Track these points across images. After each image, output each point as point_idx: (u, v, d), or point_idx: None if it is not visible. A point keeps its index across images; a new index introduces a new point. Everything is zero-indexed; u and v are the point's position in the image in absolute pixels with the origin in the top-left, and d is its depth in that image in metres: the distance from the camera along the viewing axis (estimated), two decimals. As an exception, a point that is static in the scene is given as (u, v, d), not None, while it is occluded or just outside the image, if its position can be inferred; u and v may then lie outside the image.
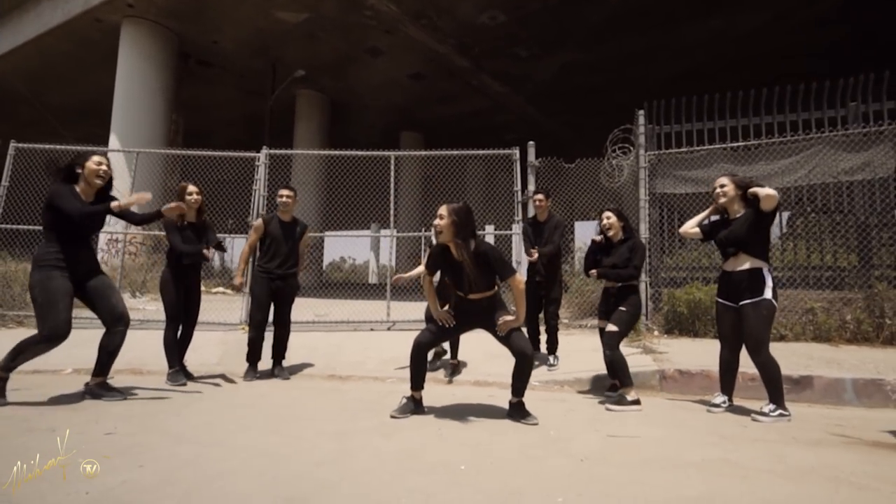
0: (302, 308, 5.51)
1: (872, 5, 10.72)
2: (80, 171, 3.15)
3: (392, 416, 2.87)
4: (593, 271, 3.59)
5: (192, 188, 3.95)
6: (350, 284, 21.33)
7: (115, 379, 3.83)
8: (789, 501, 1.77)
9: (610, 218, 3.58)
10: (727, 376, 3.25)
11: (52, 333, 2.98)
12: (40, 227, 3.21)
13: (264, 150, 6.33)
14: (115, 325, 3.22)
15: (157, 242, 10.47)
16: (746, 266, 3.06)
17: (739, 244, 3.07)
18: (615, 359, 3.28)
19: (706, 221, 3.39)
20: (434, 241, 3.07)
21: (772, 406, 2.96)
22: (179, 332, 3.97)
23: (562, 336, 4.79)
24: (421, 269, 3.50)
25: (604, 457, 2.24)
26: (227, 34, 13.27)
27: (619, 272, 3.45)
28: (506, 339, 2.89)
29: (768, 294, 2.97)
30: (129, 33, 12.67)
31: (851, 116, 5.50)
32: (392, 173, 6.48)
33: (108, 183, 3.29)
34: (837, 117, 5.54)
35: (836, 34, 12.08)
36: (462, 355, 4.47)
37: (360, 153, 6.72)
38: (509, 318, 2.87)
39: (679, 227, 6.13)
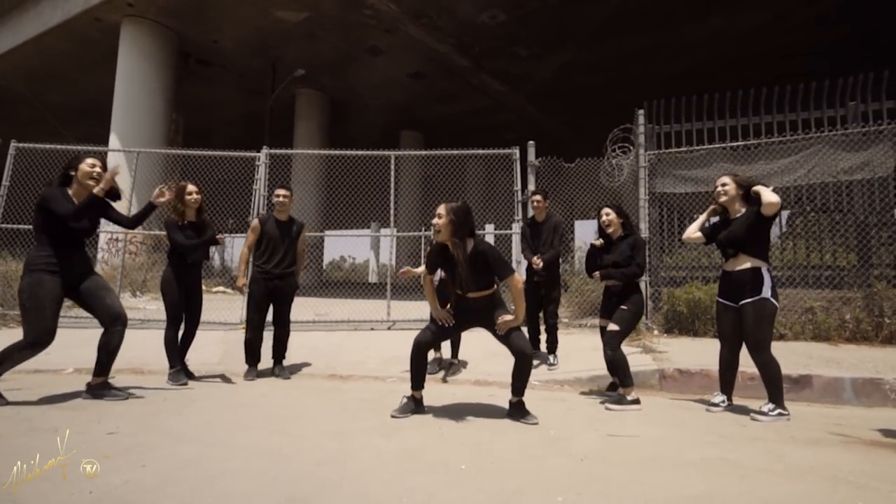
0: (302, 307, 5.52)
1: (872, 5, 10.72)
2: (73, 173, 3.15)
3: (392, 416, 2.88)
4: (597, 273, 3.55)
5: (191, 188, 3.96)
6: (350, 284, 21.33)
7: (116, 378, 3.84)
8: (788, 500, 1.78)
9: (609, 214, 3.56)
10: (727, 376, 3.25)
11: (35, 340, 2.98)
12: None
13: (264, 150, 6.33)
14: (113, 325, 3.22)
15: (157, 242, 10.47)
16: (746, 266, 3.06)
17: (739, 244, 3.08)
18: (616, 358, 3.28)
19: (707, 224, 3.40)
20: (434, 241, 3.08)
21: (771, 405, 2.97)
22: (182, 332, 3.98)
23: (562, 335, 4.81)
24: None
25: (603, 456, 2.25)
26: (227, 33, 13.26)
27: (623, 272, 3.40)
28: (505, 339, 2.90)
29: (768, 293, 2.98)
30: (129, 32, 12.67)
31: (851, 116, 5.51)
32: (392, 173, 6.48)
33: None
34: (837, 117, 5.55)
35: (837, 33, 12.09)
36: (462, 355, 4.49)
37: (360, 153, 6.72)
38: (508, 317, 2.88)
39: (678, 226, 6.19)
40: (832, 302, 5.20)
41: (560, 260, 4.64)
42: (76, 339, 4.61)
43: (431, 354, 4.36)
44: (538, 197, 4.58)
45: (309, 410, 3.06)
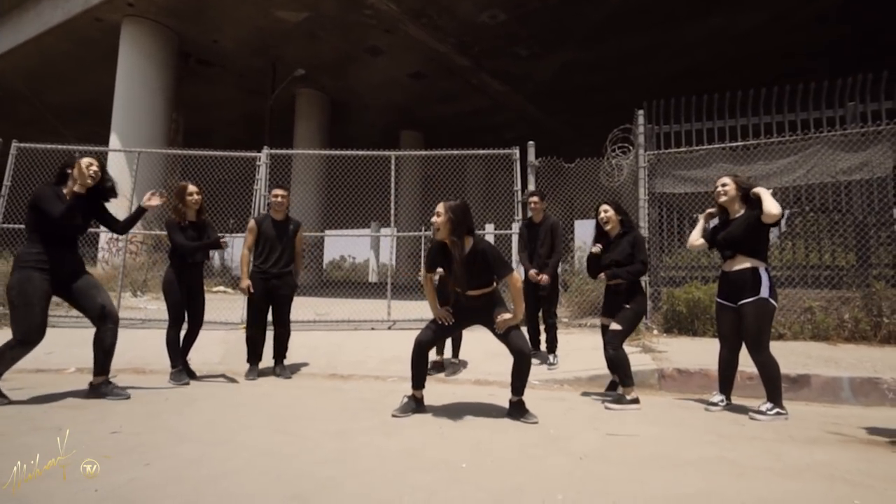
0: (302, 307, 5.54)
1: (872, 4, 10.73)
2: (69, 171, 3.15)
3: (393, 415, 2.90)
4: (602, 275, 3.49)
5: (192, 188, 3.97)
6: (350, 283, 21.35)
7: (118, 378, 3.86)
8: (785, 498, 1.80)
9: (607, 211, 3.51)
10: (726, 375, 3.27)
11: (24, 337, 2.98)
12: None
13: (265, 150, 6.35)
14: (104, 324, 3.22)
15: (157, 241, 10.49)
16: (744, 266, 3.08)
17: (736, 245, 3.10)
18: (618, 357, 3.28)
19: (707, 228, 3.40)
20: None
21: (769, 405, 2.99)
22: (185, 331, 3.99)
23: (561, 335, 4.83)
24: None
25: (603, 455, 2.27)
26: (228, 33, 13.28)
27: (629, 269, 3.36)
28: (504, 337, 2.92)
29: (766, 293, 3.00)
30: (130, 32, 12.69)
31: (849, 116, 5.53)
32: (393, 173, 6.50)
33: (101, 184, 3.27)
34: (836, 117, 5.57)
35: (837, 33, 12.10)
36: (463, 354, 4.51)
37: (360, 153, 6.74)
38: (507, 315, 2.90)
39: (678, 226, 6.21)
40: (831, 302, 5.22)
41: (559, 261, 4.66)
42: (78, 339, 4.62)
43: (433, 356, 4.38)
44: (535, 198, 4.62)
45: (310, 410, 3.08)
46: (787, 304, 5.23)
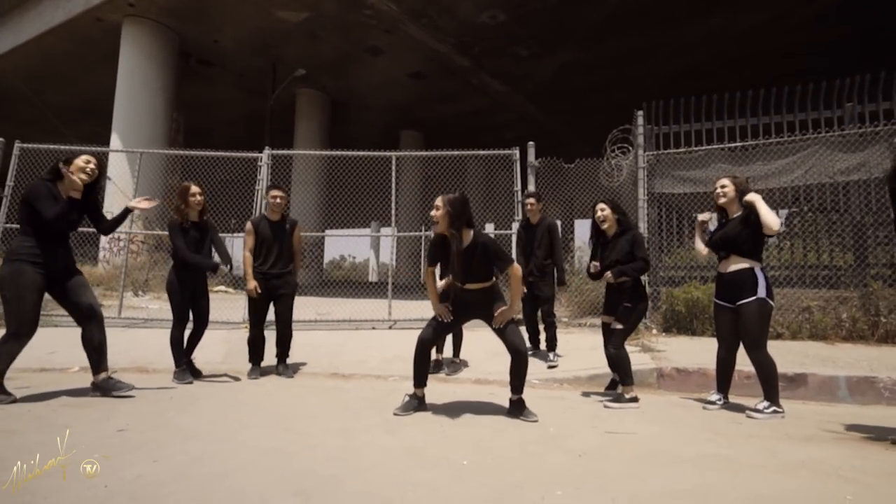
0: (303, 307, 5.57)
1: (872, 3, 10.75)
2: (66, 168, 3.17)
3: (395, 414, 2.94)
4: (608, 274, 3.39)
5: (195, 188, 3.98)
6: (350, 283, 21.39)
7: (122, 377, 3.90)
8: (779, 494, 1.84)
9: (604, 210, 3.49)
10: (723, 375, 3.31)
11: (18, 330, 3.01)
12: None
13: (267, 151, 6.38)
14: (90, 323, 3.24)
15: (158, 241, 10.53)
16: (739, 267, 3.13)
17: (731, 245, 3.14)
18: (619, 356, 3.31)
19: (707, 234, 3.43)
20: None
21: (766, 403, 3.03)
22: (190, 331, 4.03)
23: (561, 335, 4.87)
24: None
25: (601, 452, 2.31)
26: (228, 33, 13.31)
27: (633, 266, 3.34)
28: (501, 334, 2.96)
29: (763, 293, 3.04)
30: (131, 32, 12.72)
31: (848, 117, 5.56)
32: (393, 173, 6.53)
33: (96, 181, 3.30)
34: (834, 118, 5.60)
35: (837, 32, 12.12)
36: (463, 354, 4.54)
37: (361, 153, 6.77)
38: (503, 308, 2.94)
39: (677, 226, 6.25)
40: (829, 301, 5.26)
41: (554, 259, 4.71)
42: (80, 338, 4.66)
43: (433, 355, 4.42)
44: (531, 200, 4.68)
45: (312, 408, 3.12)
46: (785, 304, 5.27)
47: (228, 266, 4.20)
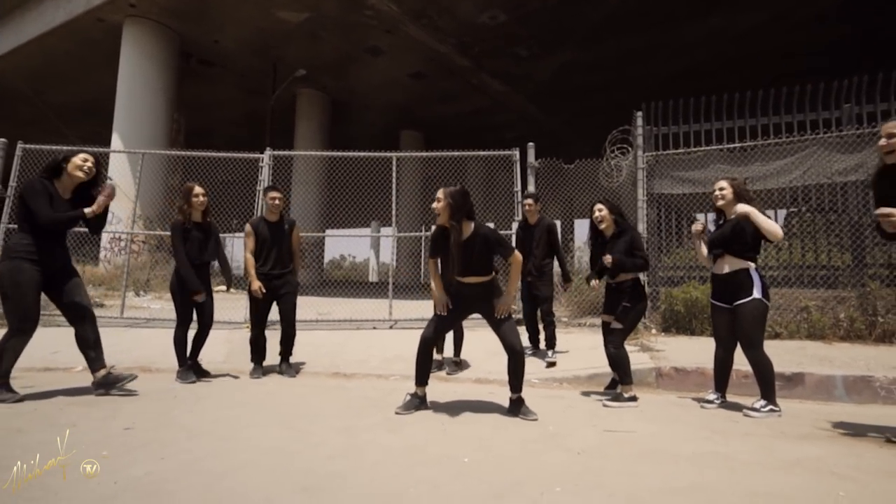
0: (304, 307, 5.60)
1: (872, 3, 10.77)
2: (64, 165, 3.20)
3: (397, 413, 2.98)
4: (607, 258, 3.37)
5: (198, 189, 4.01)
6: (351, 283, 21.43)
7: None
8: (774, 490, 1.88)
9: (601, 210, 3.52)
10: (721, 374, 3.35)
11: (21, 326, 3.05)
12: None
13: (268, 152, 6.41)
14: (83, 323, 3.27)
15: (159, 241, 10.56)
16: (734, 267, 3.16)
17: (725, 246, 3.18)
18: (619, 356, 3.35)
19: (708, 231, 3.46)
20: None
21: (763, 402, 3.06)
22: (195, 332, 4.05)
23: (561, 334, 4.91)
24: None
25: (600, 450, 2.35)
26: (229, 34, 13.35)
27: (634, 261, 3.37)
28: (499, 332, 3.00)
29: (758, 293, 3.08)
30: (132, 33, 12.76)
31: (845, 118, 5.59)
32: (394, 174, 6.57)
33: (93, 179, 3.31)
34: (832, 119, 5.63)
35: (837, 32, 12.14)
36: (464, 354, 4.57)
37: (362, 154, 6.81)
38: (501, 301, 2.99)
39: (676, 226, 6.28)
40: (827, 301, 5.29)
41: (552, 258, 4.75)
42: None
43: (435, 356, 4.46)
44: (529, 201, 4.74)
45: (315, 407, 3.16)
46: (783, 304, 5.30)
47: (227, 287, 4.22)
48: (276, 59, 14.45)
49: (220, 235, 4.35)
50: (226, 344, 5.12)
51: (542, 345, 4.72)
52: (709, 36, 12.50)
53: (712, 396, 3.33)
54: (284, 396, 3.48)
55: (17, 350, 3.11)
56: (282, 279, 4.27)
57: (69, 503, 1.68)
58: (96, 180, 3.35)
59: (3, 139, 6.46)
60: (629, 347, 3.65)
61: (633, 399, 3.30)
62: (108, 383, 3.28)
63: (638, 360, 4.18)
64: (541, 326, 4.75)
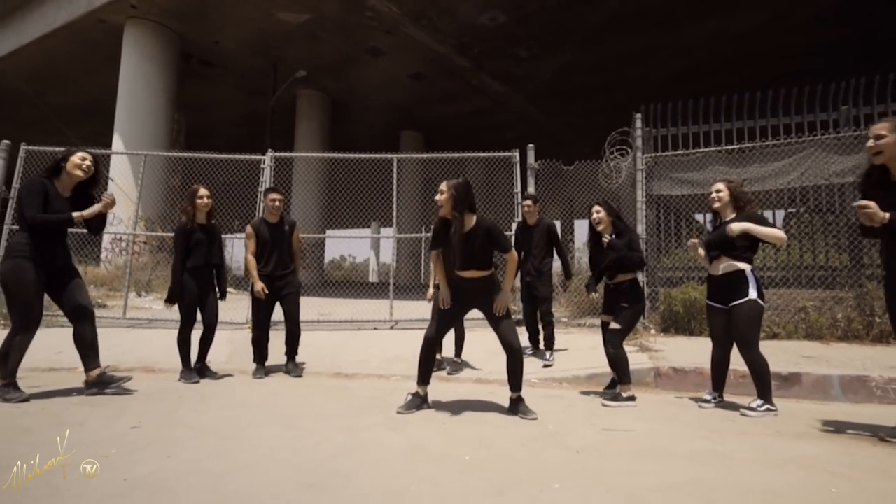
0: (306, 307, 5.63)
1: (872, 4, 10.81)
2: (63, 164, 3.23)
3: (398, 412, 3.01)
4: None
5: (203, 191, 4.06)
6: (351, 283, 21.46)
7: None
8: (768, 487, 1.92)
9: (599, 212, 3.58)
10: (718, 374, 3.40)
11: (26, 324, 3.09)
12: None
13: (270, 153, 6.45)
14: (83, 321, 3.31)
15: (161, 242, 10.60)
16: (730, 269, 3.20)
17: (722, 247, 3.22)
18: (618, 356, 3.40)
19: (707, 232, 3.50)
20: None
21: (759, 401, 3.10)
22: (201, 333, 4.09)
23: (561, 335, 4.95)
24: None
25: (599, 449, 2.39)
26: (229, 34, 13.38)
27: (631, 255, 3.42)
28: (498, 330, 3.05)
29: (754, 294, 3.12)
30: (133, 34, 12.79)
31: (843, 120, 5.63)
32: (395, 176, 6.60)
33: (92, 178, 3.34)
34: (829, 120, 5.67)
35: (836, 33, 12.17)
36: (464, 354, 4.62)
37: (363, 156, 6.84)
38: (498, 298, 3.04)
39: (675, 227, 6.32)
40: (825, 301, 5.33)
41: (552, 259, 4.80)
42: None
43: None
44: (528, 202, 4.79)
45: (317, 407, 3.20)
46: (781, 304, 5.34)
47: (222, 296, 4.25)
48: (276, 60, 14.49)
49: (222, 237, 4.39)
50: (228, 344, 5.16)
51: (542, 345, 4.76)
52: (708, 37, 12.54)
53: (710, 396, 3.37)
54: (287, 396, 3.52)
55: (23, 348, 3.15)
56: (284, 280, 4.31)
57: (79, 500, 1.72)
58: (95, 178, 3.39)
59: (6, 141, 6.50)
60: (628, 348, 3.69)
61: (632, 399, 3.34)
62: (102, 383, 3.32)
63: (637, 360, 4.22)
64: (540, 326, 4.80)
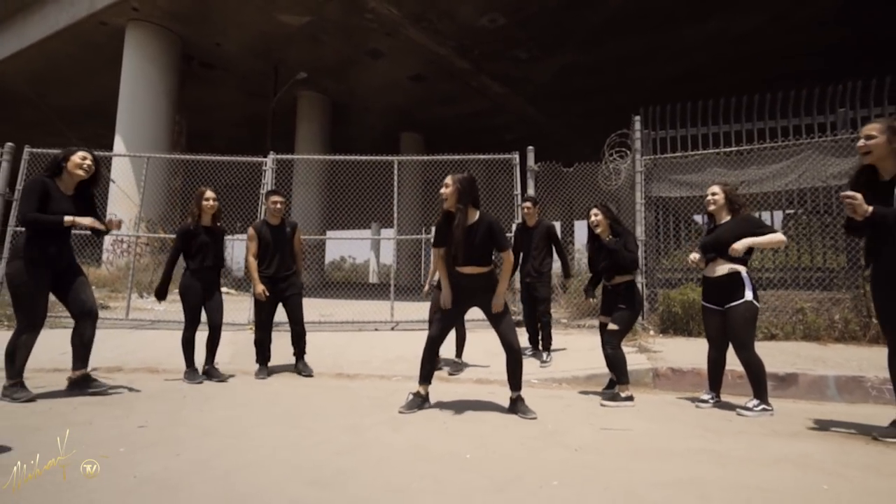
0: (307, 308, 5.67)
1: (871, 5, 10.85)
2: (64, 164, 3.28)
3: (400, 412, 3.06)
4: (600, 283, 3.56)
5: (209, 193, 4.09)
6: (351, 284, 21.50)
7: (132, 377, 4.04)
8: (762, 484, 1.97)
9: (597, 215, 3.64)
10: (714, 374, 3.44)
11: (31, 322, 3.15)
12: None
13: (272, 156, 6.49)
14: (86, 319, 3.36)
15: (162, 244, 10.64)
16: (725, 271, 3.25)
17: (718, 249, 3.27)
18: (616, 356, 3.45)
19: (706, 231, 3.55)
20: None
21: (755, 401, 3.15)
22: (207, 334, 4.12)
23: (560, 335, 4.99)
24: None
25: (597, 447, 2.44)
26: (231, 37, 13.45)
27: (624, 254, 3.47)
28: (498, 329, 3.10)
29: (750, 296, 3.17)
30: (134, 36, 12.86)
31: (840, 122, 5.68)
32: (395, 178, 6.65)
33: (93, 178, 3.39)
34: (827, 123, 5.72)
35: (836, 34, 12.22)
36: (464, 354, 4.66)
37: (364, 158, 6.88)
38: (494, 297, 3.08)
39: (674, 229, 6.37)
40: (822, 303, 5.37)
41: (551, 260, 4.85)
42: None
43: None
44: (527, 204, 4.84)
45: (320, 407, 3.24)
46: (779, 305, 5.38)
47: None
48: (277, 62, 14.56)
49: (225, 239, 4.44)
50: (230, 345, 5.19)
51: (541, 345, 4.81)
52: (708, 38, 12.58)
53: (707, 396, 3.42)
54: (290, 396, 3.56)
55: (29, 346, 3.20)
56: (286, 281, 4.36)
57: (92, 495, 1.77)
58: (96, 178, 3.45)
59: (10, 143, 6.54)
60: (627, 348, 3.74)
61: (630, 399, 3.38)
62: (85, 385, 3.36)
63: (635, 360, 4.26)
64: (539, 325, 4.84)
